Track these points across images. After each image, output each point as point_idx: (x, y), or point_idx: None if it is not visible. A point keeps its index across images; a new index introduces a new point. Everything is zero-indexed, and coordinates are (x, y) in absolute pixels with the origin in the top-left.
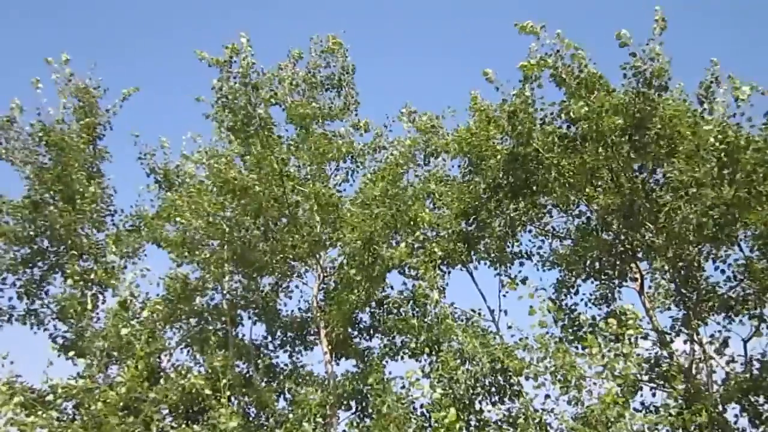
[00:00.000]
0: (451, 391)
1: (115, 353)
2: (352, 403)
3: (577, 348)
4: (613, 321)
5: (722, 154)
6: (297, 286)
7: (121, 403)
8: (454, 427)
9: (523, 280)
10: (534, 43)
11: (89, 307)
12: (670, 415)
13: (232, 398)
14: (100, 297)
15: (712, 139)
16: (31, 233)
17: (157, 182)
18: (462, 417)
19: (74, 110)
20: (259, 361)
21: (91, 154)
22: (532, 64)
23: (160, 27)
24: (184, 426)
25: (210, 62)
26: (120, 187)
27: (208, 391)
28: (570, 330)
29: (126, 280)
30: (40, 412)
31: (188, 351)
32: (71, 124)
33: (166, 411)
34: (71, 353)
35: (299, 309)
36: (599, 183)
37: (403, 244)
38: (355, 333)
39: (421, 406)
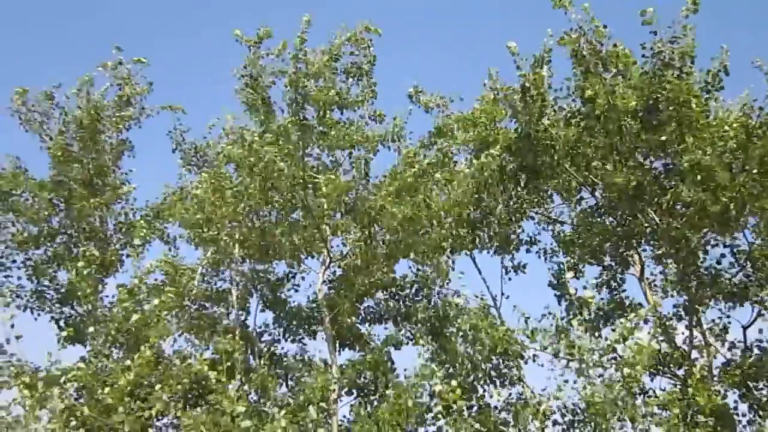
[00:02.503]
0: (453, 375)
1: (120, 338)
2: (354, 390)
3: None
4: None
5: (741, 138)
6: (303, 278)
7: (128, 388)
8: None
9: (523, 267)
10: (550, 30)
11: (95, 291)
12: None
13: (234, 382)
14: (104, 282)
15: (726, 127)
16: (46, 213)
17: (183, 158)
18: (464, 399)
19: (117, 97)
20: (262, 346)
21: (117, 143)
22: (561, 40)
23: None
24: (187, 410)
25: (242, 41)
26: (141, 176)
27: (212, 376)
28: (573, 313)
29: (138, 269)
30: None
31: (188, 337)
32: (104, 109)
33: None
34: (75, 337)
35: (306, 297)
36: (607, 163)
37: (427, 235)
38: (360, 320)
39: (431, 394)
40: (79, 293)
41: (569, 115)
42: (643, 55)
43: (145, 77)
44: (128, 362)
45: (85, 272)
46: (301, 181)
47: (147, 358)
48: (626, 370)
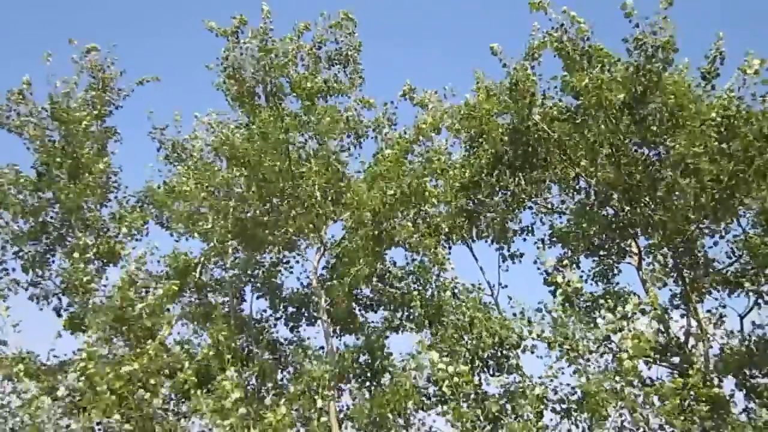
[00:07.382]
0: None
1: (119, 327)
2: (350, 376)
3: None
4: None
5: (722, 128)
6: (297, 261)
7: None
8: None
9: (520, 256)
10: (537, 23)
11: (92, 281)
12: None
13: (233, 370)
14: (103, 272)
15: (713, 114)
16: (36, 205)
17: (167, 156)
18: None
19: (88, 87)
20: (261, 335)
21: (100, 131)
22: (543, 42)
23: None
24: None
25: (218, 33)
26: (129, 166)
27: (213, 364)
28: (566, 304)
29: (131, 256)
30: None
31: (187, 325)
32: (79, 99)
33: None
34: (75, 327)
35: (301, 284)
36: (600, 157)
37: (410, 223)
38: (358, 307)
39: (429, 378)
40: (77, 283)
41: (556, 111)
42: (627, 49)
43: (113, 62)
44: (136, 350)
45: (81, 263)
46: (287, 172)
47: (156, 348)
48: (625, 361)
